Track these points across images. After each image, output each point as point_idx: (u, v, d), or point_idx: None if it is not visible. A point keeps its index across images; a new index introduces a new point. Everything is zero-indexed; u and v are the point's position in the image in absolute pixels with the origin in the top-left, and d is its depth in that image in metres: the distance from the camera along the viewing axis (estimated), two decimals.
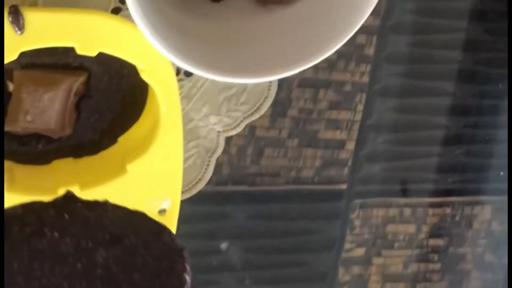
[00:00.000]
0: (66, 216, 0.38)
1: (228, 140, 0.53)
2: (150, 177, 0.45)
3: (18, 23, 0.39)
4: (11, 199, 0.41)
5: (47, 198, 0.40)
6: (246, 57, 0.43)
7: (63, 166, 0.47)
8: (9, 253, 0.36)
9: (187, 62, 0.40)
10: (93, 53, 0.41)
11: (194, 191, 0.52)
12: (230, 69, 0.41)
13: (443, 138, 0.60)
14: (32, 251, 0.37)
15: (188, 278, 0.36)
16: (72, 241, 0.36)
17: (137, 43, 0.41)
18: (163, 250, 0.37)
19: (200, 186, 0.52)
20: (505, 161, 0.62)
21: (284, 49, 0.43)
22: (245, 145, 0.54)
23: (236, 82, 0.42)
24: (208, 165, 0.52)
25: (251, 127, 0.53)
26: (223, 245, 0.55)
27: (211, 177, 0.53)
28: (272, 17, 0.45)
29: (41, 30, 0.40)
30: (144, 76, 0.42)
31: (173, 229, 0.46)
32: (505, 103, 0.61)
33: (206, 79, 0.50)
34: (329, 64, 0.54)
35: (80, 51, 0.40)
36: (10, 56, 0.39)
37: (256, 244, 0.56)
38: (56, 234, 0.37)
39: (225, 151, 0.53)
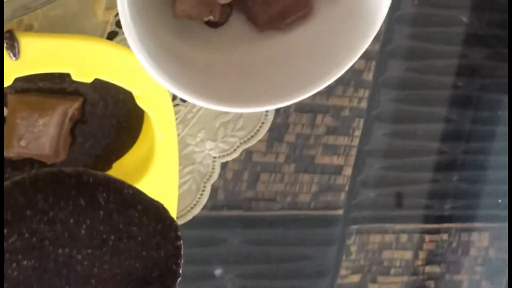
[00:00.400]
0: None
1: (224, 164, 0.52)
2: None
3: (14, 49, 0.38)
4: None
5: None
6: (244, 86, 0.42)
7: None
8: (18, 198, 0.38)
9: (183, 90, 0.39)
10: (88, 80, 0.40)
11: (189, 216, 0.52)
12: (227, 98, 0.41)
13: (441, 164, 0.60)
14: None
15: (182, 245, 0.41)
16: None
17: (133, 69, 0.41)
18: (157, 214, 0.41)
19: (195, 211, 0.52)
20: (502, 187, 0.62)
21: (282, 77, 0.43)
22: (241, 170, 0.53)
23: (232, 111, 0.42)
24: (203, 190, 0.51)
25: (248, 152, 0.53)
26: (217, 271, 0.55)
27: (207, 202, 0.52)
28: (270, 44, 0.45)
29: (36, 56, 0.39)
30: (140, 103, 0.42)
31: None
32: (503, 129, 0.61)
33: (202, 106, 0.49)
34: (327, 89, 0.53)
35: (75, 77, 0.40)
36: (5, 81, 0.39)
37: (251, 269, 0.56)
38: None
39: (220, 175, 0.52)
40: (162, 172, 0.44)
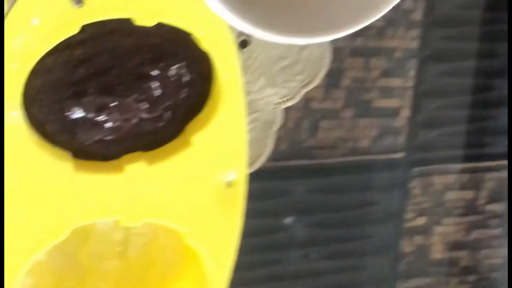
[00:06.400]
0: None
1: (284, 112, 0.52)
2: (215, 148, 0.44)
3: None
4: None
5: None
6: (302, 17, 0.43)
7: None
8: None
9: (246, 21, 0.39)
10: (151, 23, 0.41)
11: (255, 167, 0.51)
12: (287, 28, 0.41)
13: (498, 100, 0.59)
14: None
15: None
16: None
17: (196, 10, 0.41)
18: None
19: (261, 161, 0.51)
20: None
21: (338, 9, 0.43)
22: (301, 118, 0.53)
23: (292, 42, 0.42)
24: (267, 139, 0.51)
25: (306, 100, 0.53)
26: (288, 220, 0.55)
27: (270, 152, 0.52)
28: None
29: (99, 2, 0.40)
30: (204, 43, 0.42)
31: (242, 202, 0.46)
32: None
33: (260, 51, 0.49)
34: (378, 31, 0.54)
35: (139, 21, 0.40)
36: (71, 30, 0.39)
37: (318, 218, 0.56)
38: None
39: (281, 125, 0.52)
40: (230, 113, 0.44)
